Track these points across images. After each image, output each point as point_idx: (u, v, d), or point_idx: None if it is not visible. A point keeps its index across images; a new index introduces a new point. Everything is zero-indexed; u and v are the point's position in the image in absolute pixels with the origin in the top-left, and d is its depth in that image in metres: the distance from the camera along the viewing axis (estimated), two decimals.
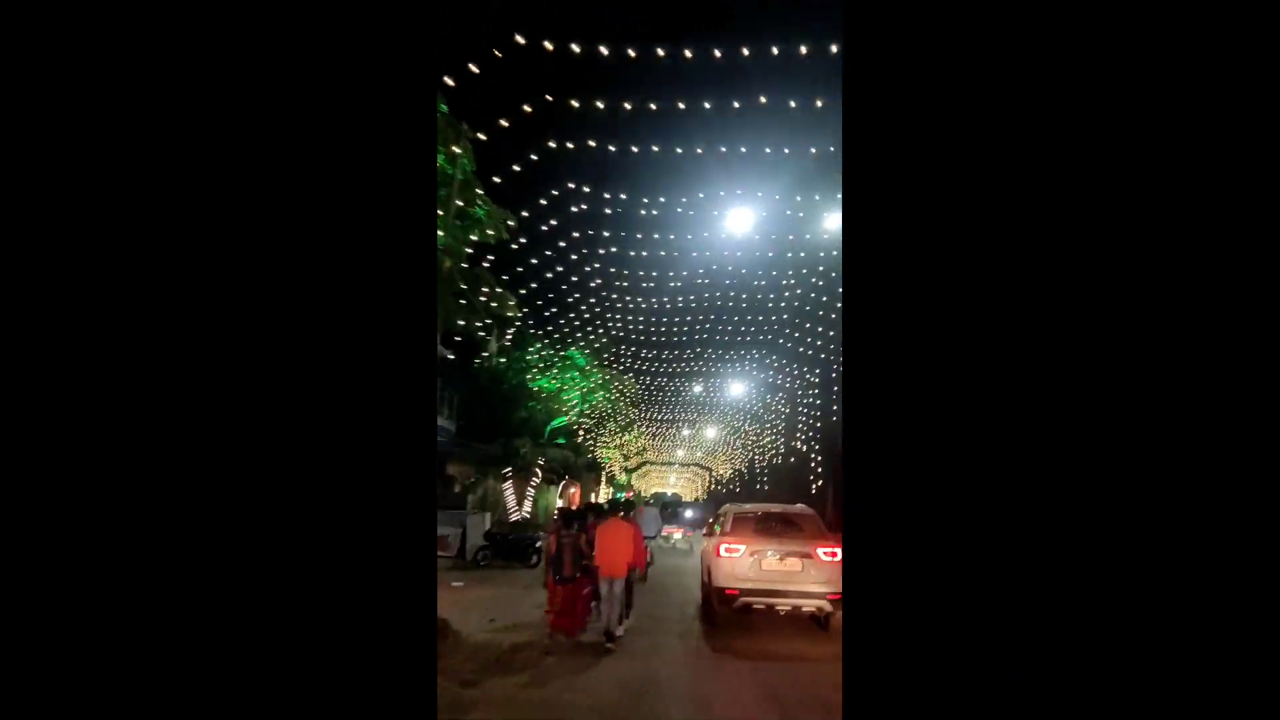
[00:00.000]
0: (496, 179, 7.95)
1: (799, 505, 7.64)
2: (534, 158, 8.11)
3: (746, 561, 5.98)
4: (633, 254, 11.64)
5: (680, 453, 42.41)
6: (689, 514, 23.45)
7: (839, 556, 5.86)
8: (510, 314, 10.09)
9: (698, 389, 25.98)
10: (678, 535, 16.99)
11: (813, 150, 8.88)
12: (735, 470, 39.14)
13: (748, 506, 7.51)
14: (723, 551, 6.13)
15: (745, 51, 6.84)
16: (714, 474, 45.13)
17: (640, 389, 24.77)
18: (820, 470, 19.13)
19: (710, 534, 7.76)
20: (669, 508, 25.59)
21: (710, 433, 35.32)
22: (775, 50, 6.74)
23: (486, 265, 9.15)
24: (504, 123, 7.25)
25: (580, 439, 23.23)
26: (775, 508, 7.41)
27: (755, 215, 10.98)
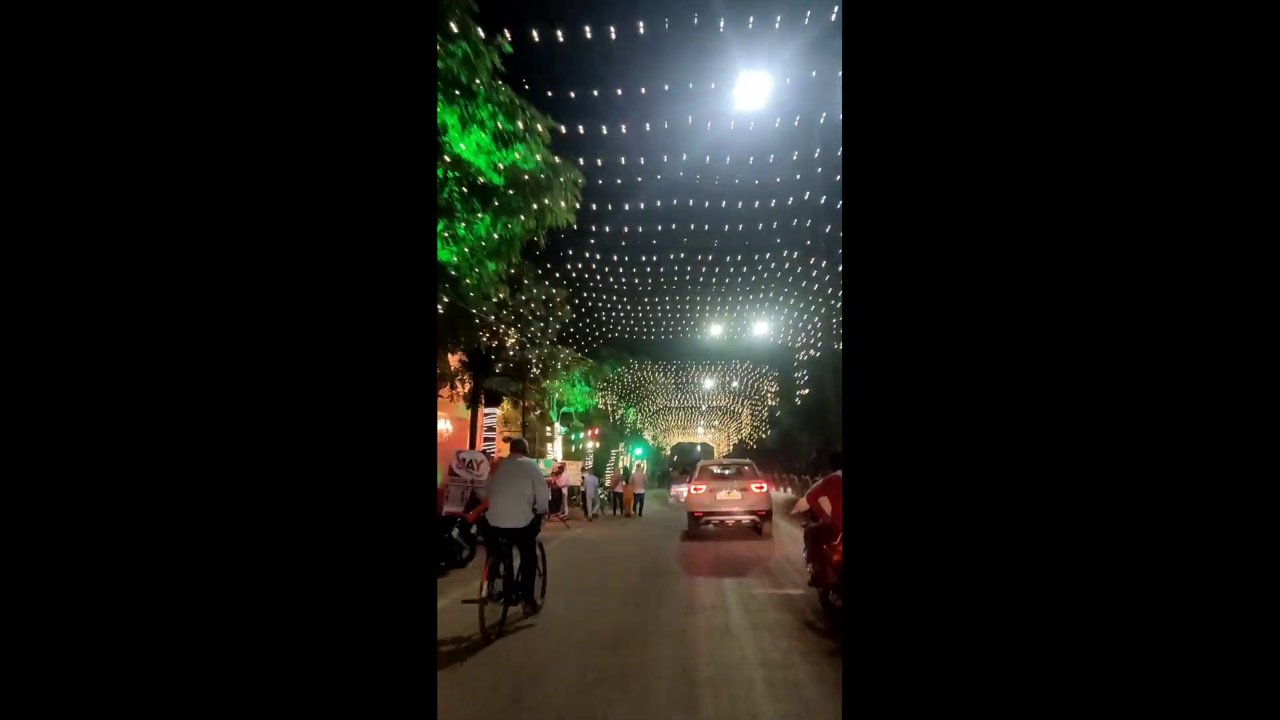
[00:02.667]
0: None
1: (745, 460, 11.59)
2: None
3: (707, 495, 9.85)
4: None
5: (708, 384, 32.18)
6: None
7: (765, 489, 9.77)
8: None
9: (716, 331, 20.80)
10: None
11: None
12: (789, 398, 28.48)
13: (710, 462, 11.40)
14: (692, 490, 10.06)
15: None
16: (757, 414, 34.36)
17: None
18: None
19: (690, 481, 11.64)
20: (678, 467, 25.33)
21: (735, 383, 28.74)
22: None
23: None
24: None
25: None
26: (727, 461, 11.35)
27: None
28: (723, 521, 9.87)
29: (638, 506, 15.99)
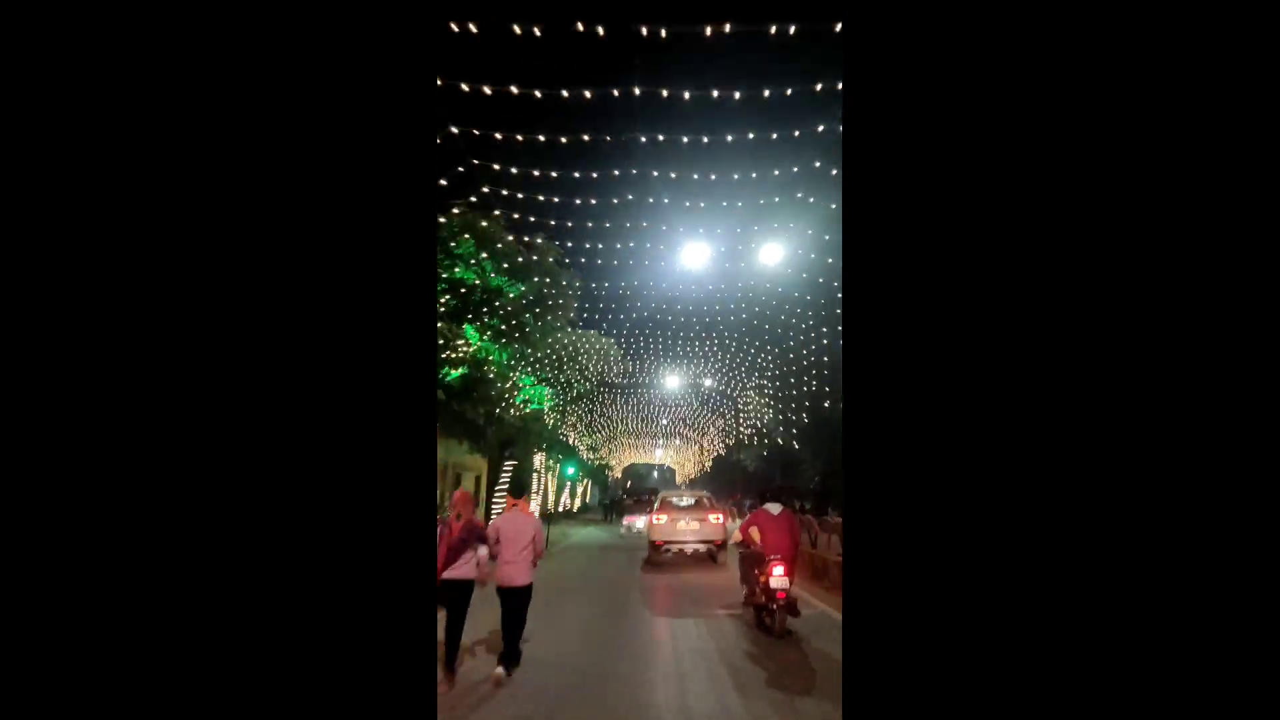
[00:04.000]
0: None
1: (702, 491, 12.37)
2: None
3: (668, 525, 10.53)
4: None
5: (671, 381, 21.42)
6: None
7: (720, 520, 10.53)
8: None
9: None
10: (640, 524, 15.62)
11: None
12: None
13: (670, 493, 12.10)
14: (654, 520, 10.70)
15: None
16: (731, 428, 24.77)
17: None
18: None
19: (650, 511, 12.30)
20: (633, 495, 21.34)
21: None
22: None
23: None
24: None
25: None
26: (686, 493, 12.09)
27: None
28: (681, 550, 10.54)
29: (511, 635, 4.06)
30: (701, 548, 10.51)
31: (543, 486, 19.23)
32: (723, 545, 10.57)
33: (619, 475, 34.27)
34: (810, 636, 5.12)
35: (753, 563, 5.48)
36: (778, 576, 4.97)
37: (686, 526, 10.53)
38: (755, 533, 5.38)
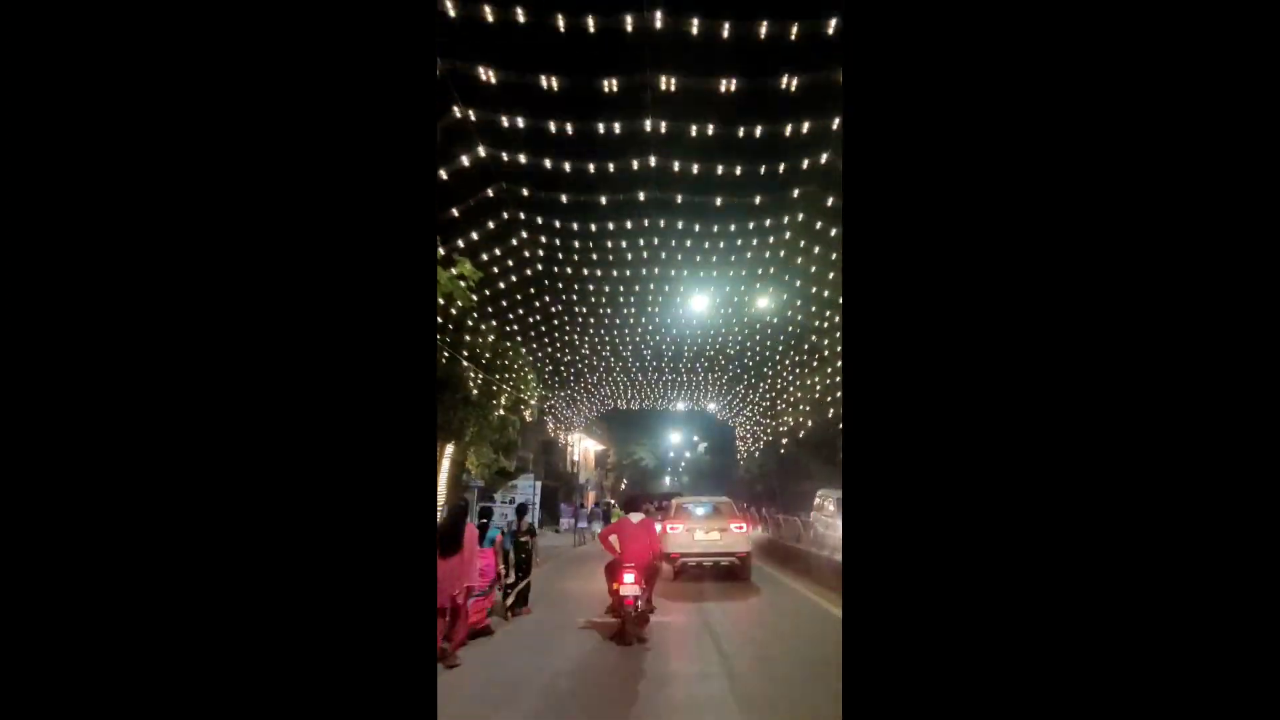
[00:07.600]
0: None
1: (723, 496, 11.20)
2: None
3: (684, 536, 9.38)
4: None
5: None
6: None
7: (744, 529, 9.37)
8: None
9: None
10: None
11: None
12: None
13: (686, 499, 10.98)
14: (669, 530, 9.55)
15: None
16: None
17: None
18: None
19: (665, 518, 11.21)
20: (635, 503, 18.26)
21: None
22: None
23: None
24: None
25: None
26: (705, 499, 10.89)
27: None
28: (700, 564, 9.41)
29: None
30: (724, 561, 9.36)
31: None
32: (747, 557, 9.38)
33: (563, 438, 18.84)
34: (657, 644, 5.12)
35: (613, 571, 5.58)
36: (628, 584, 5.20)
37: (706, 537, 9.41)
38: (615, 540, 5.55)
